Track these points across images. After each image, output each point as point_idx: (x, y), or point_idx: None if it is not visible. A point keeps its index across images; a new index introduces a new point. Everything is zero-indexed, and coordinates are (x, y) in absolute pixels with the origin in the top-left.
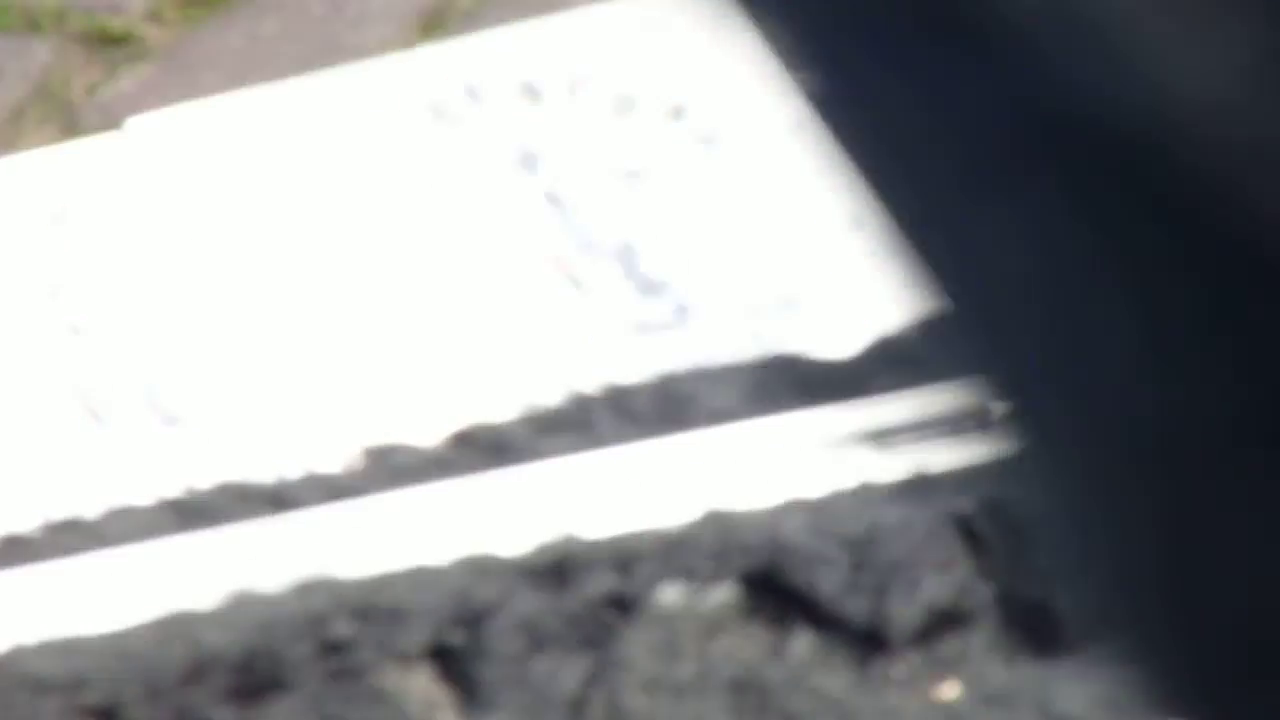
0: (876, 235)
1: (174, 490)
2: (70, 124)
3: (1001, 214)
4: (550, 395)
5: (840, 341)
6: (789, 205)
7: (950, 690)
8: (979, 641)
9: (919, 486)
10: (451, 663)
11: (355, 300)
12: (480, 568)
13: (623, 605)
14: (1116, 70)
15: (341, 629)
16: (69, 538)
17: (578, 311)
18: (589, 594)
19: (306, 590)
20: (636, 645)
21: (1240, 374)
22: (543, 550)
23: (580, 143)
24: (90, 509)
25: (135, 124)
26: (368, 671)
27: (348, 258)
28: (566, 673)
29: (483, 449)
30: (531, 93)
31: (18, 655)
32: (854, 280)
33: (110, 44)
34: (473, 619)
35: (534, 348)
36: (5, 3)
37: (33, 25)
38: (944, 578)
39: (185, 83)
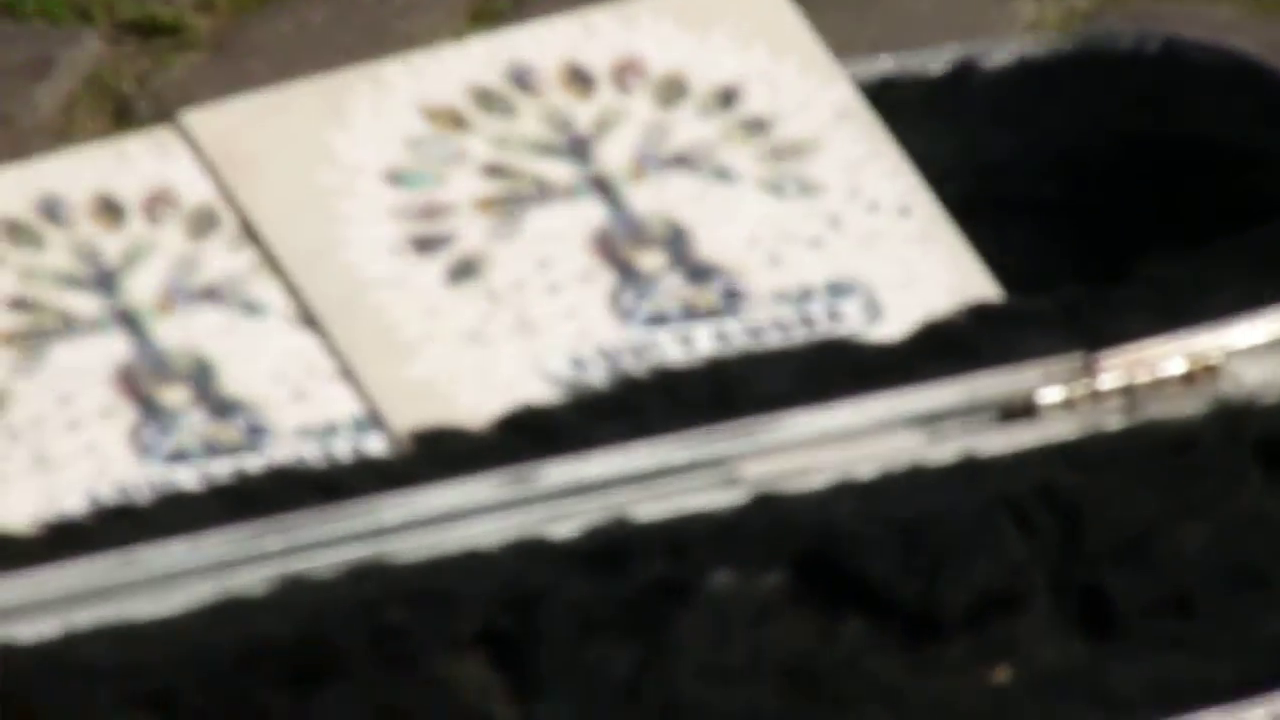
0: (926, 220)
1: (226, 477)
2: (122, 114)
3: None
4: (601, 380)
5: (891, 326)
6: (839, 190)
7: (1002, 673)
8: (1031, 625)
9: (970, 470)
10: (504, 649)
11: (404, 285)
12: (531, 553)
13: (674, 590)
14: None
15: (394, 615)
16: (121, 525)
17: (628, 297)
18: (640, 579)
19: (359, 576)
20: (688, 630)
21: None
22: (593, 535)
23: (630, 129)
24: (142, 496)
25: (189, 116)
26: (421, 658)
27: (397, 244)
28: (618, 658)
29: (533, 434)
30: (581, 79)
31: (71, 643)
32: (904, 265)
33: (160, 33)
34: (525, 605)
35: (584, 333)
36: None
37: (83, 15)
38: (995, 561)
39: (235, 72)
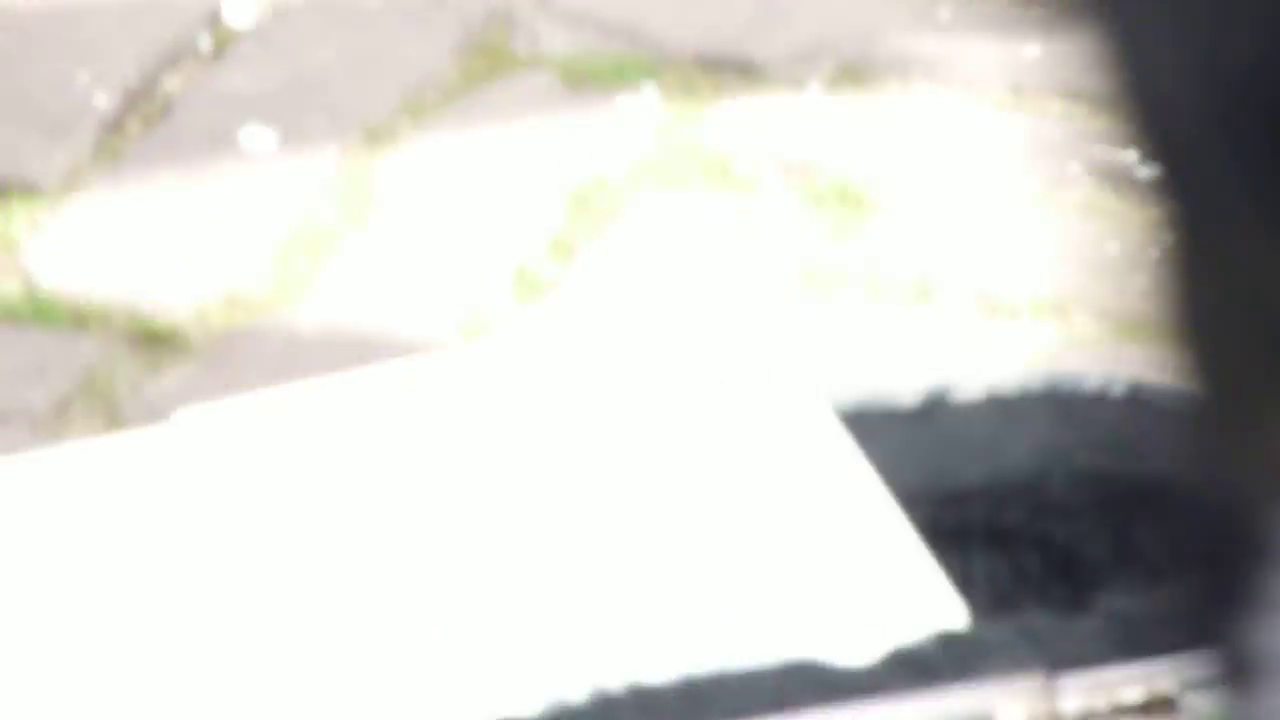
0: (899, 547)
1: None
2: (114, 419)
3: None
4: (576, 692)
5: (861, 650)
6: (814, 514)
7: None
8: None
9: None
10: None
11: (395, 598)
12: None
13: None
14: None
15: None
16: None
17: (603, 609)
18: None
19: None
20: None
21: None
22: None
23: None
24: None
25: (181, 417)
26: None
27: (389, 554)
28: None
29: None
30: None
31: None
32: (878, 590)
33: (155, 342)
34: None
35: (561, 644)
36: (53, 299)
37: (79, 321)
38: None
39: (229, 381)
